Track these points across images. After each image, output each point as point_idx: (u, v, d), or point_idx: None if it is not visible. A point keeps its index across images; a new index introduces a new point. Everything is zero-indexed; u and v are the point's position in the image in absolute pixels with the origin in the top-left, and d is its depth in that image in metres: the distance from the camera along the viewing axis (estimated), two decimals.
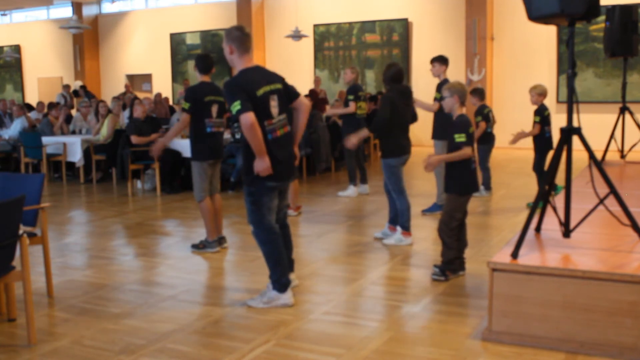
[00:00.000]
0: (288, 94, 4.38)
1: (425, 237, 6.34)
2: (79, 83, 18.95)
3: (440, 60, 7.27)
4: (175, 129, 5.91)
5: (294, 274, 4.61)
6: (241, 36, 4.26)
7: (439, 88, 7.05)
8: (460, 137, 4.67)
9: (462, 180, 4.75)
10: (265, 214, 4.29)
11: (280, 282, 4.35)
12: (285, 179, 4.36)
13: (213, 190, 5.98)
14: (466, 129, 4.69)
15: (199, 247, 5.94)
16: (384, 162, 5.96)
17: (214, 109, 5.78)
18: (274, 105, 4.23)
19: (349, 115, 8.61)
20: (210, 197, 5.97)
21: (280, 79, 4.38)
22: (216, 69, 17.70)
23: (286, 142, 4.33)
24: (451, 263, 4.82)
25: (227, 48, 4.30)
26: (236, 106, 4.06)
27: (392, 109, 5.84)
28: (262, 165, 4.14)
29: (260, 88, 4.17)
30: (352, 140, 6.07)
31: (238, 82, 4.16)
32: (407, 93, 6.12)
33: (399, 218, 6.01)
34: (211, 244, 5.92)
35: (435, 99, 7.19)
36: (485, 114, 8.35)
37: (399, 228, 6.02)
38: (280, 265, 4.33)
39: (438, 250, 5.52)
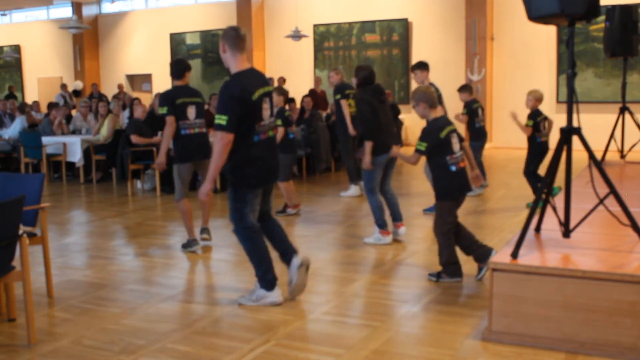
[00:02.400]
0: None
1: (425, 236, 6.34)
2: (79, 83, 18.96)
3: (421, 67, 7.30)
4: (166, 136, 5.84)
5: (298, 257, 4.45)
6: (235, 35, 4.24)
7: None
8: (420, 145, 4.66)
9: (442, 185, 4.71)
10: (246, 213, 4.30)
11: (266, 278, 4.35)
12: (268, 182, 4.40)
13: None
14: (429, 138, 4.64)
15: (184, 247, 6.01)
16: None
17: (190, 111, 5.83)
18: (265, 107, 4.27)
19: (341, 115, 8.51)
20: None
21: (270, 85, 4.41)
22: (216, 69, 17.88)
23: (273, 144, 4.40)
24: (447, 266, 4.78)
25: (221, 47, 4.30)
26: (222, 120, 4.07)
27: (370, 109, 5.85)
28: (204, 188, 4.28)
29: (255, 91, 4.17)
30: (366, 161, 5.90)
31: (234, 90, 4.12)
32: (379, 91, 6.07)
33: (374, 217, 6.03)
34: (191, 242, 5.96)
35: None
36: (473, 109, 8.38)
37: (376, 227, 6.04)
38: (264, 262, 4.35)
39: (436, 249, 5.51)
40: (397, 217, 6.17)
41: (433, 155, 4.71)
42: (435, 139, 4.64)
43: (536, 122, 7.23)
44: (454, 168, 4.66)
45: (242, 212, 4.30)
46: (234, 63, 4.26)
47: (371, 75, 6.03)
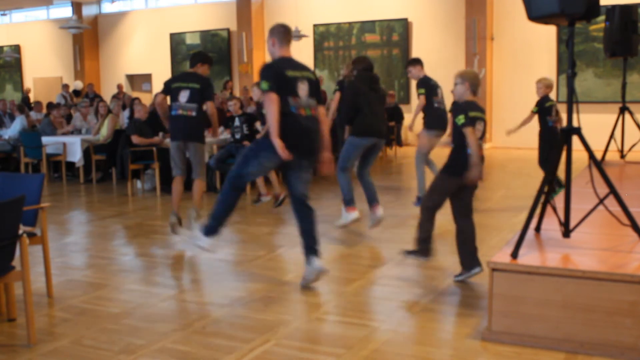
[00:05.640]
0: (317, 90, 4.74)
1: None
2: (79, 83, 18.96)
3: (413, 63, 7.61)
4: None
5: (319, 261, 4.74)
6: (283, 31, 4.74)
7: (420, 85, 7.56)
8: (459, 120, 4.62)
9: (453, 162, 4.68)
10: (249, 165, 4.64)
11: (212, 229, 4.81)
12: (298, 155, 4.57)
13: (194, 175, 6.49)
14: (465, 111, 4.63)
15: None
16: (348, 139, 6.24)
17: (183, 94, 6.26)
18: (302, 88, 4.60)
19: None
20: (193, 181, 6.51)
21: (312, 72, 4.78)
22: (216, 69, 17.86)
23: (309, 123, 4.60)
24: (421, 243, 4.81)
25: (269, 41, 4.75)
26: (263, 85, 4.52)
27: (353, 93, 6.20)
28: (275, 144, 4.45)
29: (289, 71, 4.61)
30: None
31: (271, 63, 4.69)
32: (371, 79, 6.33)
33: (342, 194, 6.25)
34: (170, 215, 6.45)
35: (419, 95, 7.58)
36: None
37: (343, 208, 6.23)
38: (223, 218, 4.79)
39: (438, 249, 5.51)
40: (372, 200, 6.24)
41: (459, 132, 4.69)
42: (467, 115, 4.63)
43: (544, 107, 7.31)
44: (468, 150, 4.60)
45: (248, 163, 4.62)
46: (279, 53, 4.74)
47: (367, 64, 6.30)
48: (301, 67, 4.75)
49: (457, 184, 4.70)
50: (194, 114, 6.26)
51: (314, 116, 4.66)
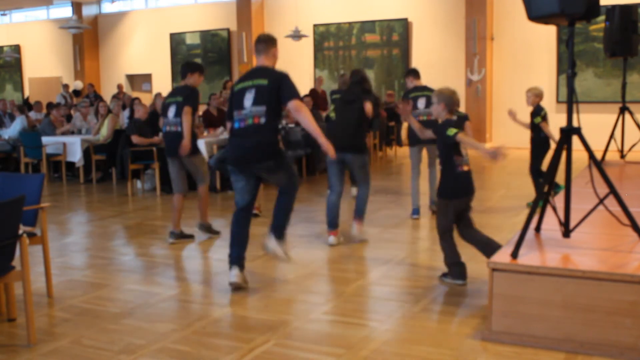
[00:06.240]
0: (280, 93, 4.64)
1: (424, 236, 6.33)
2: (79, 83, 18.96)
3: (406, 74, 7.59)
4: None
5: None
6: (256, 41, 4.83)
7: (405, 95, 7.45)
8: (450, 131, 4.59)
9: (445, 183, 4.67)
10: (235, 191, 4.84)
11: (229, 254, 4.76)
12: (235, 164, 4.74)
13: (197, 183, 6.53)
14: (451, 125, 4.64)
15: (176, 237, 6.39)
16: None
17: (171, 109, 6.24)
18: (248, 98, 4.65)
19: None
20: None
21: (270, 76, 4.68)
22: (216, 69, 17.87)
23: (244, 135, 4.66)
24: (450, 266, 4.74)
25: None
26: None
27: (333, 109, 6.33)
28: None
29: (239, 84, 4.76)
30: None
31: (233, 85, 4.87)
32: (347, 92, 6.31)
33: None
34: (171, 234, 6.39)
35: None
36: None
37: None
38: (231, 241, 4.78)
39: (436, 249, 5.51)
40: (354, 214, 6.24)
41: (442, 152, 4.71)
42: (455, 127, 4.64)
43: (542, 116, 7.29)
44: (458, 169, 4.62)
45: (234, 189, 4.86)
46: (257, 64, 4.83)
47: (352, 79, 6.25)
48: (257, 74, 4.71)
49: (456, 205, 4.67)
50: (179, 128, 6.14)
51: (256, 124, 4.61)
